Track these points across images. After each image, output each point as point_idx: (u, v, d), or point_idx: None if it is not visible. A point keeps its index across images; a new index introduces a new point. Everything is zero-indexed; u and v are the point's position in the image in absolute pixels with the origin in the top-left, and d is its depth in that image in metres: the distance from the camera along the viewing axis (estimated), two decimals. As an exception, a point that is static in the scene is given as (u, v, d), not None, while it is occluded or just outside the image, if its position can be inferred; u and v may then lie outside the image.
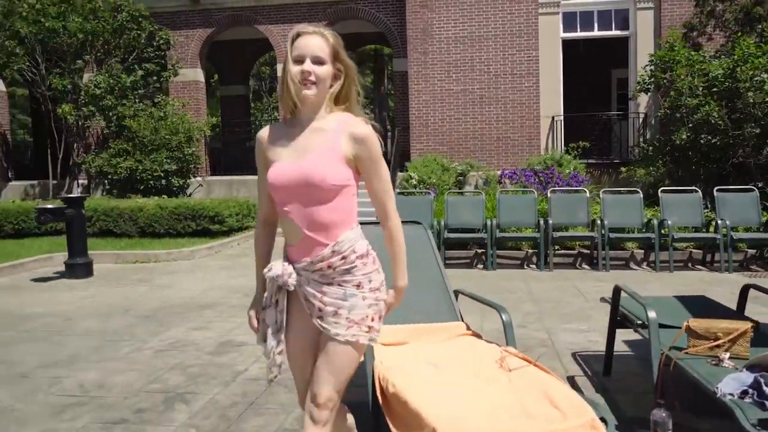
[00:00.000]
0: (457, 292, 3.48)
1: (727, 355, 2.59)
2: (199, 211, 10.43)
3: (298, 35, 1.90)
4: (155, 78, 13.64)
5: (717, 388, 2.26)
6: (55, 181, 14.05)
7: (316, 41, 1.89)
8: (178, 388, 3.70)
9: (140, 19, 13.02)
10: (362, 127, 1.92)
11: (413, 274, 3.47)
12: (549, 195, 8.27)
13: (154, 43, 13.74)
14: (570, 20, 12.98)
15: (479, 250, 8.35)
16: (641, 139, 12.03)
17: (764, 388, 2.15)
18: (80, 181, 13.94)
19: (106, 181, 12.82)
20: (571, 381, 3.64)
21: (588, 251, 8.11)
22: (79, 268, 7.72)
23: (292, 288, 1.95)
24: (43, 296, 6.61)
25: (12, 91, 20.34)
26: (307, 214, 1.89)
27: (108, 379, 3.88)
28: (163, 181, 12.39)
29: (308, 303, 1.95)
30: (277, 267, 1.94)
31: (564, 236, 7.88)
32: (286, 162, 1.91)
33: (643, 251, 8.04)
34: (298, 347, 2.02)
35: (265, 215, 2.09)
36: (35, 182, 15.06)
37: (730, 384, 2.26)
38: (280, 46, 14.36)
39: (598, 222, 7.71)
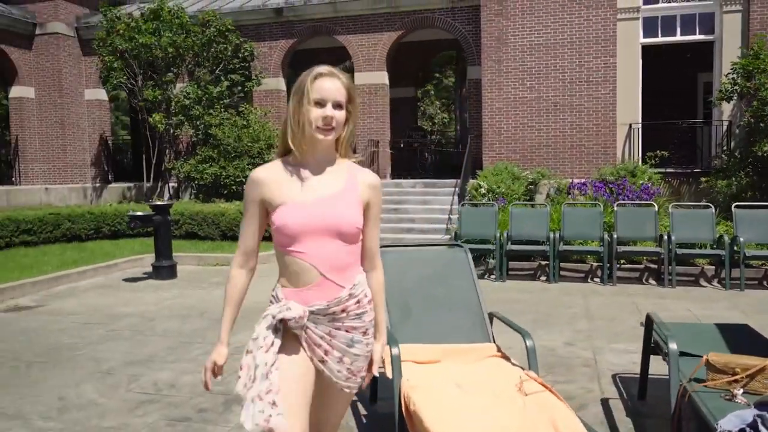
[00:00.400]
0: (491, 315, 3.65)
1: (741, 390, 2.65)
2: (276, 217, 10.98)
3: (316, 77, 1.86)
4: (239, 88, 14.40)
5: (718, 424, 2.35)
6: (149, 184, 15.13)
7: (336, 85, 1.86)
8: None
9: (227, 33, 13.80)
10: (372, 174, 1.99)
11: (452, 295, 3.70)
12: (615, 208, 8.18)
13: (240, 55, 14.50)
14: (651, 25, 12.63)
15: (543, 262, 8.38)
16: (723, 149, 11.57)
17: (761, 427, 2.23)
18: (171, 185, 14.94)
19: (192, 186, 13.69)
20: (605, 403, 3.73)
21: (655, 266, 7.97)
22: (164, 270, 8.40)
23: (301, 332, 1.89)
24: (131, 296, 7.27)
25: (116, 94, 21.94)
26: (327, 257, 1.86)
27: (178, 379, 4.32)
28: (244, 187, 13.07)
29: (311, 346, 1.90)
30: (297, 309, 1.85)
31: (628, 251, 7.79)
32: (301, 204, 1.86)
33: (714, 267, 7.82)
34: (299, 391, 1.86)
35: (245, 259, 1.99)
36: (132, 184, 16.25)
37: (732, 421, 2.34)
38: (357, 56, 14.78)
39: (665, 237, 7.58)
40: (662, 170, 11.50)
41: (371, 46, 14.61)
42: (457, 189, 12.34)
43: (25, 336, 5.59)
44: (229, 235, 11.18)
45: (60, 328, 5.82)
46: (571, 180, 11.48)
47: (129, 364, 4.69)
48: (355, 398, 3.90)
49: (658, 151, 11.62)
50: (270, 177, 1.91)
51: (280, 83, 15.47)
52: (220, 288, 7.66)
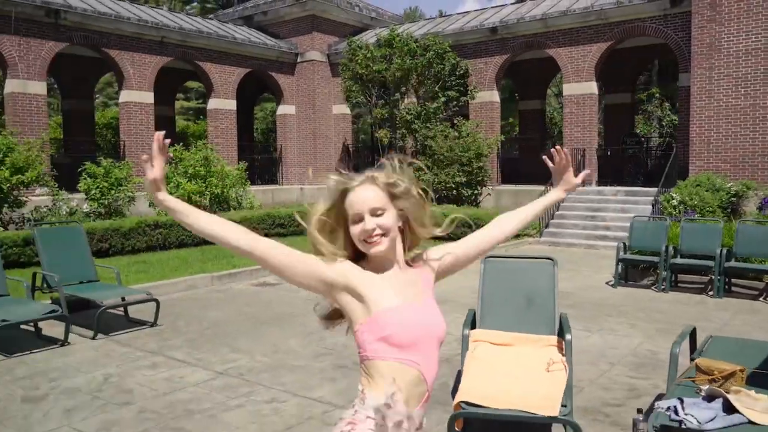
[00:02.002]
0: (561, 316, 4.67)
1: (707, 386, 3.43)
2: (474, 220, 12.35)
3: (346, 191, 1.76)
4: (454, 103, 16.07)
5: (656, 404, 3.25)
6: (378, 187, 17.64)
7: (367, 193, 1.74)
8: (386, 354, 5.67)
9: (444, 55, 15.55)
10: (429, 252, 1.92)
11: (534, 298, 4.81)
12: (795, 228, 8.04)
13: (456, 72, 16.16)
14: None
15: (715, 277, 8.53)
16: None
17: (678, 407, 3.10)
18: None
19: (410, 191, 15.79)
20: (659, 397, 4.51)
21: (840, 289, 7.69)
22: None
23: None
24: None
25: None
26: (433, 368, 1.76)
27: (350, 342, 6.02)
28: (454, 192, 14.74)
29: None
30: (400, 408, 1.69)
31: (802, 272, 7.67)
32: (406, 307, 1.73)
33: None
34: None
35: (255, 239, 1.76)
36: (366, 186, 18.97)
37: (668, 402, 3.22)
38: (566, 67, 15.44)
39: None
40: None
41: (580, 58, 15.15)
42: (655, 198, 12.46)
43: (266, 304, 7.86)
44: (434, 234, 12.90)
45: (288, 301, 8.00)
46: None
47: (319, 330, 6.55)
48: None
49: None
50: (363, 273, 1.76)
51: (494, 95, 16.78)
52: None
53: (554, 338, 4.50)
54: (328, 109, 19.74)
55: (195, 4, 41.37)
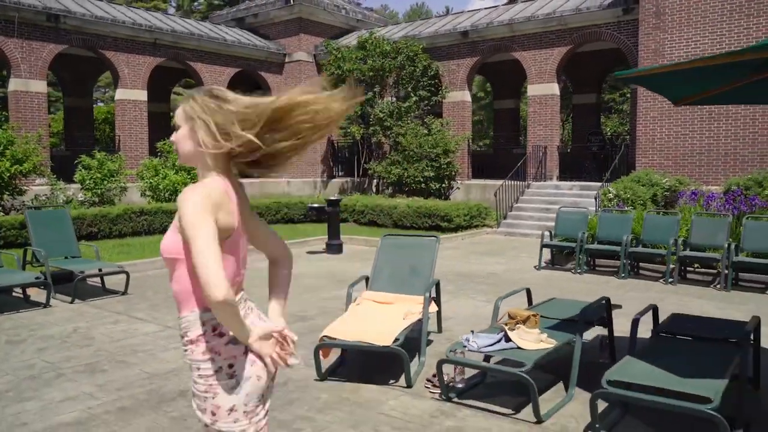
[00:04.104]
0: (437, 282, 5.79)
1: (507, 327, 4.56)
2: (434, 212, 13.56)
3: None
4: (426, 102, 17.19)
5: (461, 337, 4.39)
6: (358, 179, 18.78)
7: (177, 110, 1.95)
8: (315, 317, 6.83)
9: (415, 58, 16.66)
10: (184, 190, 1.85)
11: (416, 267, 5.93)
12: (693, 217, 9.10)
13: (429, 73, 17.26)
14: (822, 30, 12.27)
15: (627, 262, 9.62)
16: None
17: (470, 337, 4.25)
18: (374, 181, 18.38)
19: (381, 182, 16.93)
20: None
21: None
22: (334, 247, 11.54)
23: None
24: (304, 263, 10.50)
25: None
26: (175, 282, 1.93)
27: (290, 308, 7.19)
28: (423, 185, 15.86)
29: None
30: None
31: (693, 256, 8.75)
32: None
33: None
34: None
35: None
36: (348, 179, 20.12)
37: (466, 335, 4.36)
38: (530, 69, 16.50)
39: (726, 246, 8.41)
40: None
41: (542, 61, 16.21)
42: (597, 192, 13.52)
43: (227, 280, 9.03)
44: (399, 224, 14.04)
45: (256, 278, 9.17)
46: (723, 186, 11.98)
47: (266, 298, 7.72)
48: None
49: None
50: None
51: (466, 95, 17.86)
52: (359, 262, 10.52)
53: (422, 297, 5.61)
54: (315, 107, 20.85)
55: (202, 0, 42.49)
